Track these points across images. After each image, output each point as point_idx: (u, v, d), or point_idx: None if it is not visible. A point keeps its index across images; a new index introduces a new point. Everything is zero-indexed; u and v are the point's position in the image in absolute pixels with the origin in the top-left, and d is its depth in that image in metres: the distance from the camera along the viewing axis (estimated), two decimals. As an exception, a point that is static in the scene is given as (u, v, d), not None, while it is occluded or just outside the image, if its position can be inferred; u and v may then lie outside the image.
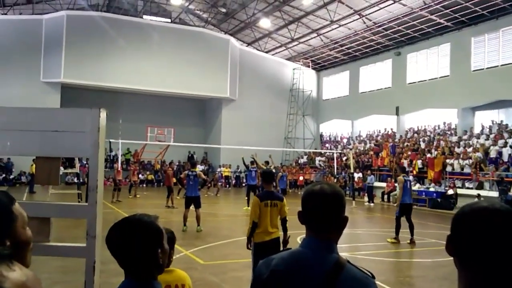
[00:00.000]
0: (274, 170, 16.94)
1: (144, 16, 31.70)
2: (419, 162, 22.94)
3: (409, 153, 24.51)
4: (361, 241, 11.62)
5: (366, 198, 22.65)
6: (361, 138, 32.01)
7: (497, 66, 22.74)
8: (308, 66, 35.63)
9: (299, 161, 34.07)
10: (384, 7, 25.00)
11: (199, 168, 26.05)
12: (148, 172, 30.95)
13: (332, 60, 34.60)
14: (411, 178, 22.05)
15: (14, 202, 1.28)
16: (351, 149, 29.38)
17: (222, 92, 32.00)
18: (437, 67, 26.23)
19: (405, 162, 23.66)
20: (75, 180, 24.25)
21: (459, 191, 19.87)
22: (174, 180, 18.84)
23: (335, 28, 29.01)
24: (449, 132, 25.57)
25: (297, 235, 7.63)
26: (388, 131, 29.91)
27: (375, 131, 31.53)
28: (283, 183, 17.90)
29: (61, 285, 6.68)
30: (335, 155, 28.26)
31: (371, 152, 27.51)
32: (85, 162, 22.93)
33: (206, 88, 31.27)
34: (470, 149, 21.67)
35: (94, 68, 28.29)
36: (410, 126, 28.89)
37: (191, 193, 11.91)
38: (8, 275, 0.91)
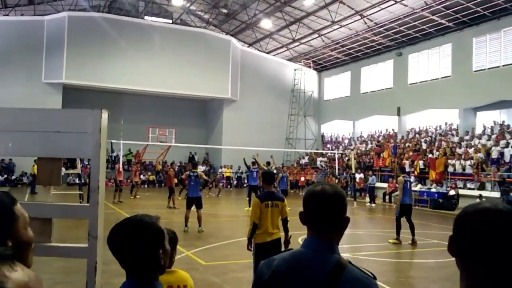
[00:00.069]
0: (275, 171, 17.00)
1: (146, 17, 31.75)
2: (421, 162, 22.91)
3: (411, 153, 24.49)
4: (363, 242, 11.61)
5: (367, 199, 22.63)
6: (363, 139, 31.99)
7: (499, 66, 22.71)
8: (310, 67, 35.63)
9: (301, 162, 34.06)
10: (386, 7, 24.99)
11: (201, 168, 26.06)
12: (149, 173, 30.97)
13: (333, 60, 34.59)
14: (412, 178, 22.22)
15: (16, 203, 1.28)
16: (352, 150, 29.36)
17: (223, 93, 32.01)
18: (439, 68, 26.20)
19: (407, 163, 23.65)
20: (77, 181, 24.27)
21: (461, 191, 19.85)
22: (176, 180, 18.83)
23: (337, 29, 29.00)
24: (450, 133, 25.54)
25: (298, 235, 7.63)
26: (389, 132, 29.89)
27: (376, 132, 31.51)
28: (283, 184, 17.49)
29: (62, 285, 6.68)
30: (336, 156, 28.26)
31: (373, 153, 27.48)
32: (86, 163, 22.90)
33: (207, 88, 31.28)
34: (471, 150, 21.64)
35: (95, 69, 28.33)
36: (412, 127, 28.87)
37: (192, 193, 11.91)
38: (10, 275, 0.91)
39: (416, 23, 25.78)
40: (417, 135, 27.43)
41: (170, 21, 32.72)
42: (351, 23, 27.79)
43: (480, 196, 17.78)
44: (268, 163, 18.55)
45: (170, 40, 30.36)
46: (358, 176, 24.01)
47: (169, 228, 2.22)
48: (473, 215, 1.15)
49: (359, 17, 26.76)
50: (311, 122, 36.03)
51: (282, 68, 35.37)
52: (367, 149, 29.41)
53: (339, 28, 28.74)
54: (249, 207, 15.51)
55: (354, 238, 11.65)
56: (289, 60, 35.59)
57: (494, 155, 20.49)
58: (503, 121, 23.19)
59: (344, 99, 33.89)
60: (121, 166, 21.18)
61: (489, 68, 23.21)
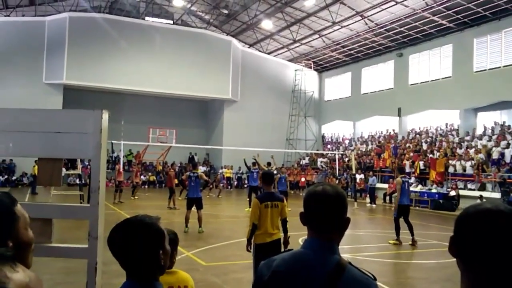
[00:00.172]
0: (275, 172, 16.98)
1: (146, 18, 31.78)
2: (421, 163, 22.90)
3: (411, 154, 24.48)
4: (363, 243, 11.61)
5: (368, 199, 22.62)
6: (363, 139, 31.98)
7: (500, 67, 22.71)
8: (310, 67, 35.64)
9: (301, 162, 34.07)
10: (386, 8, 24.99)
11: (201, 169, 26.06)
12: (150, 174, 30.98)
13: (334, 61, 34.60)
14: (412, 179, 22.30)
15: (16, 203, 1.29)
16: (353, 150, 29.36)
17: (224, 94, 32.02)
18: (439, 68, 26.20)
19: (407, 163, 23.64)
20: (77, 181, 24.28)
21: (461, 192, 19.83)
22: (176, 181, 18.84)
23: (337, 30, 29.01)
24: (451, 133, 25.53)
25: (299, 236, 7.63)
26: (390, 132, 29.88)
27: (377, 132, 31.51)
28: (282, 185, 16.95)
29: (63, 286, 6.69)
30: (337, 156, 28.26)
31: (373, 153, 27.48)
32: (87, 163, 22.92)
33: (208, 89, 31.30)
34: (472, 150, 21.63)
35: (96, 70, 28.35)
36: (412, 127, 28.86)
37: (192, 194, 11.91)
38: (12, 276, 0.92)
39: (416, 23, 25.78)
40: (417, 136, 27.42)
41: (171, 21, 32.75)
42: (352, 23, 27.80)
43: (481, 197, 17.76)
44: (269, 164, 18.54)
45: (171, 41, 30.37)
46: (359, 176, 24.00)
47: (169, 229, 2.22)
48: (474, 215, 1.15)
49: (360, 18, 26.77)
50: (311, 123, 36.03)
51: (282, 68, 35.38)
52: (368, 149, 29.40)
53: (340, 28, 28.74)
54: (250, 207, 15.48)
55: (354, 239, 11.64)
56: (290, 60, 35.60)
57: (495, 155, 20.49)
58: (504, 122, 23.18)
59: (345, 100, 33.89)
60: (121, 166, 21.19)
61: (489, 69, 23.19)
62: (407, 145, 26.45)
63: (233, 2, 29.60)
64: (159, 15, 32.75)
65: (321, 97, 36.61)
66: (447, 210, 18.86)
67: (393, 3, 24.23)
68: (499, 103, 22.97)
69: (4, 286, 0.89)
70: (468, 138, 23.57)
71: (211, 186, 24.92)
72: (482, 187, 19.65)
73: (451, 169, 21.45)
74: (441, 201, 19.84)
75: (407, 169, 23.31)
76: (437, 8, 23.57)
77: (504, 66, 22.45)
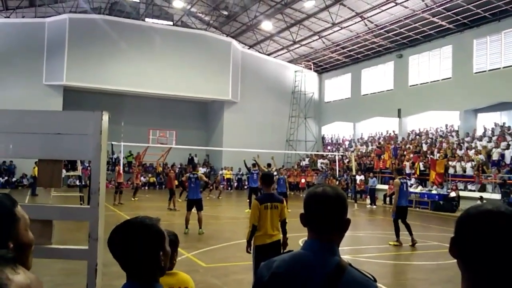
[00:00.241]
0: (275, 173, 16.95)
1: (146, 19, 31.81)
2: (421, 164, 22.90)
3: (411, 155, 24.48)
4: (363, 244, 11.60)
5: (368, 201, 22.62)
6: (363, 141, 31.99)
7: (499, 68, 22.72)
8: (310, 69, 35.65)
9: (301, 164, 34.07)
10: (386, 9, 25.01)
11: (201, 170, 26.05)
12: (150, 175, 30.98)
13: (334, 62, 34.61)
14: (413, 180, 22.30)
15: (17, 205, 1.29)
16: (353, 152, 29.36)
17: (224, 95, 32.03)
18: (439, 69, 26.21)
19: (407, 165, 23.66)
20: (77, 182, 24.28)
21: (462, 193, 19.82)
22: (176, 182, 18.84)
23: (337, 31, 29.04)
24: (451, 135, 25.53)
25: (299, 237, 7.63)
26: (390, 134, 29.89)
27: (377, 134, 31.51)
28: (280, 187, 16.84)
29: (63, 287, 6.68)
30: (337, 158, 28.26)
31: (373, 155, 27.48)
32: (87, 165, 22.93)
33: (208, 90, 31.31)
34: (472, 152, 21.63)
35: (96, 71, 28.36)
36: (412, 129, 28.86)
37: (192, 195, 11.89)
38: (13, 278, 0.92)
39: (416, 25, 25.79)
40: (417, 137, 27.42)
41: (171, 23, 32.78)
42: (352, 25, 27.82)
43: (481, 198, 17.75)
44: (269, 165, 18.53)
45: (171, 42, 30.39)
46: (359, 178, 24.00)
47: (170, 230, 2.22)
48: (475, 217, 1.15)
49: (360, 19, 26.79)
50: (311, 124, 36.03)
51: (282, 70, 35.40)
52: (368, 151, 29.41)
53: (340, 30, 28.77)
54: (250, 209, 15.47)
55: (354, 240, 11.63)
56: (290, 62, 35.62)
57: (495, 157, 20.49)
58: (504, 123, 23.19)
59: (345, 101, 33.90)
60: (121, 168, 21.19)
61: (489, 70, 23.21)
62: (407, 146, 26.45)
63: (233, 3, 29.63)
64: (159, 16, 32.78)
65: (321, 98, 36.62)
66: (447, 211, 18.85)
67: (392, 4, 24.26)
68: (499, 104, 22.97)
69: (5, 288, 0.90)
70: (468, 139, 23.57)
71: (211, 188, 24.91)
72: (482, 188, 19.65)
73: (451, 170, 21.45)
74: (441, 202, 19.84)
75: (407, 170, 23.34)
76: (436, 9, 23.59)
77: (504, 67, 22.46)
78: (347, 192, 22.98)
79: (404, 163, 24.12)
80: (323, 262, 1.59)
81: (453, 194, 19.75)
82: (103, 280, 2.58)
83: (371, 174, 23.52)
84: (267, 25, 30.25)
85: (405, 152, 25.50)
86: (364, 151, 29.81)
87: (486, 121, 24.30)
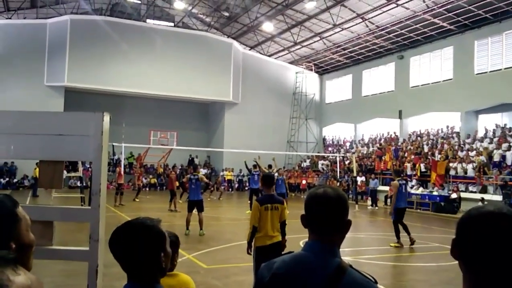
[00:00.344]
0: (276, 174, 16.92)
1: (147, 20, 31.84)
2: (422, 165, 22.88)
3: (412, 156, 24.46)
4: (364, 245, 11.58)
5: (369, 202, 22.61)
6: (364, 142, 31.97)
7: (500, 69, 22.71)
8: (311, 70, 35.66)
9: (302, 165, 34.06)
10: (387, 10, 25.01)
11: (202, 172, 26.05)
12: (151, 176, 30.99)
13: (335, 63, 34.62)
14: (414, 182, 22.27)
15: (18, 205, 1.29)
16: (354, 153, 29.35)
17: (225, 96, 32.05)
18: (440, 71, 26.20)
19: (408, 166, 23.65)
20: (78, 183, 24.27)
21: (463, 195, 19.80)
22: (177, 183, 18.84)
23: (338, 32, 29.03)
24: (451, 136, 25.50)
25: (299, 239, 7.62)
26: (391, 135, 29.86)
27: (378, 135, 31.47)
28: (279, 187, 16.37)
29: (64, 288, 6.68)
30: (338, 159, 28.26)
31: (374, 156, 27.47)
32: (88, 166, 22.95)
33: (209, 91, 31.33)
34: (473, 153, 21.61)
35: (97, 72, 28.40)
36: (413, 130, 28.84)
37: (193, 197, 11.89)
38: (14, 279, 0.92)
39: (417, 26, 25.79)
40: (418, 138, 27.39)
41: (172, 24, 32.81)
42: (353, 26, 27.82)
43: (482, 199, 17.73)
44: (270, 166, 18.51)
45: (172, 43, 30.42)
46: (360, 179, 24.00)
47: (170, 231, 2.22)
48: (477, 218, 1.15)
49: (361, 20, 26.79)
50: (312, 125, 36.03)
51: (283, 71, 35.41)
52: (369, 152, 29.39)
53: (341, 31, 28.77)
54: (251, 210, 15.41)
55: (355, 242, 11.62)
56: (291, 63, 35.63)
57: (496, 158, 20.47)
58: (505, 124, 23.16)
59: (346, 102, 33.90)
60: (122, 169, 21.20)
61: (490, 71, 23.19)
62: (408, 147, 26.42)
63: (234, 4, 29.65)
64: (160, 17, 32.81)
65: (322, 100, 36.62)
66: (449, 213, 18.83)
67: (393, 5, 24.25)
68: (500, 105, 22.96)
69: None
70: (469, 140, 23.55)
71: (212, 189, 24.91)
72: (484, 190, 19.62)
73: (452, 172, 21.42)
74: (442, 203, 19.81)
75: (409, 172, 23.34)
76: (438, 11, 23.58)
77: (505, 68, 22.45)
78: (348, 193, 22.98)
79: (405, 164, 24.11)
80: (323, 263, 1.59)
81: (454, 195, 19.73)
82: (104, 281, 2.58)
83: (373, 176, 23.50)
84: (268, 26, 30.27)
85: (406, 154, 25.48)
86: (365, 152, 29.79)
87: (487, 123, 24.27)
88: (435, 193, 20.90)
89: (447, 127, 26.58)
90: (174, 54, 30.28)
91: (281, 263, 1.66)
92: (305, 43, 32.02)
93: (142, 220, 1.60)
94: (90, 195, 2.53)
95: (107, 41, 28.63)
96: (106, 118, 2.52)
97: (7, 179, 27.55)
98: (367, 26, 27.42)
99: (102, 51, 28.55)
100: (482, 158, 20.55)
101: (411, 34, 27.04)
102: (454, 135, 25.28)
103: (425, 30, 26.05)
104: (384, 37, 28.28)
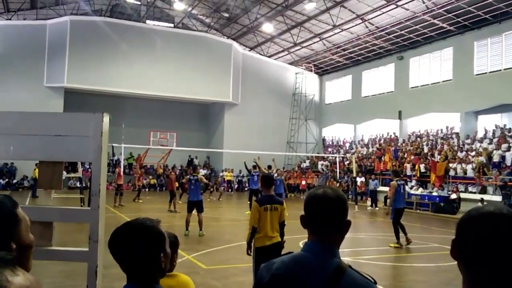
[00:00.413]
0: (275, 175, 16.93)
1: (147, 21, 31.85)
2: (422, 166, 22.89)
3: (412, 157, 24.47)
4: (364, 246, 11.58)
5: (368, 202, 22.61)
6: (364, 142, 31.98)
7: (500, 70, 22.72)
8: (311, 71, 35.67)
9: (302, 165, 34.05)
10: (387, 11, 25.02)
11: (202, 172, 26.04)
12: (150, 177, 30.98)
13: (334, 64, 34.63)
14: (413, 182, 22.27)
15: (18, 206, 1.29)
16: (353, 153, 29.35)
17: (224, 97, 32.05)
18: (440, 71, 26.22)
19: (408, 166, 23.65)
20: (78, 184, 24.28)
21: (462, 195, 19.81)
22: (177, 184, 18.84)
23: (338, 33, 29.05)
24: (451, 136, 25.51)
25: (299, 239, 7.61)
26: (390, 135, 29.87)
27: (377, 135, 31.48)
28: (277, 187, 16.14)
29: (63, 289, 6.67)
30: (337, 159, 28.27)
31: (374, 156, 27.47)
32: (87, 167, 22.94)
33: (208, 92, 31.33)
34: (473, 153, 21.61)
35: (97, 73, 28.40)
36: (413, 130, 28.85)
37: (193, 197, 11.89)
38: (13, 280, 0.92)
39: (417, 27, 25.81)
40: (418, 139, 27.40)
41: (172, 25, 32.81)
42: (352, 27, 27.84)
43: (482, 200, 17.73)
44: (270, 167, 18.51)
45: (172, 44, 30.43)
46: (360, 180, 24.00)
47: (170, 232, 2.21)
48: (477, 218, 1.15)
49: (360, 21, 26.80)
50: (312, 126, 36.04)
51: (283, 71, 35.42)
52: (368, 152, 29.40)
53: (340, 32, 28.79)
54: (250, 210, 15.37)
55: (355, 242, 11.62)
56: (291, 64, 35.65)
57: (496, 158, 20.47)
58: (505, 125, 23.17)
59: (345, 103, 33.91)
60: (121, 170, 21.19)
61: (490, 72, 23.20)
62: (408, 148, 26.42)
63: (234, 5, 29.66)
64: (160, 18, 32.82)
65: (321, 100, 36.63)
66: (448, 213, 18.83)
67: (393, 6, 24.27)
68: (500, 106, 22.97)
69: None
70: (468, 141, 23.56)
71: (211, 189, 24.90)
72: (483, 190, 19.62)
73: (452, 172, 21.43)
74: (442, 204, 19.81)
75: (408, 172, 23.35)
76: (437, 11, 23.60)
77: (504, 69, 22.47)
78: (347, 194, 22.98)
79: (404, 165, 24.12)
80: (323, 263, 1.59)
81: (453, 196, 19.73)
82: (104, 282, 2.58)
83: (373, 176, 23.49)
84: (268, 27, 30.28)
85: (405, 154, 25.48)
86: (364, 153, 29.80)
87: (487, 123, 24.29)
88: (434, 193, 20.90)
89: (447, 127, 26.60)
90: (174, 55, 30.28)
91: (280, 264, 1.66)
92: (304, 44, 32.03)
93: (141, 220, 1.60)
94: (90, 195, 2.53)
95: (107, 42, 28.63)
96: (106, 118, 2.52)
97: (7, 179, 27.54)
98: (366, 27, 27.43)
99: (101, 52, 28.55)
100: (482, 158, 20.55)
101: (410, 35, 27.06)
102: (454, 135, 25.29)
103: (425, 31, 26.06)
104: (384, 38, 28.29)
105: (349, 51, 31.48)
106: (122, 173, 20.43)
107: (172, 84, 30.05)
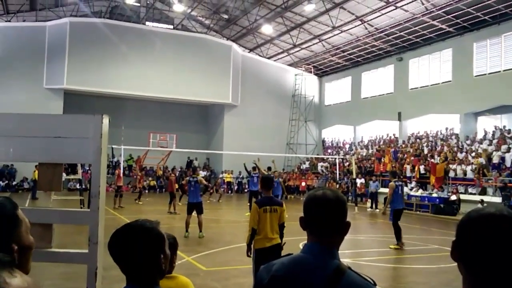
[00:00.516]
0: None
1: (147, 23, 31.87)
2: (422, 167, 22.89)
3: (412, 158, 24.47)
4: (364, 247, 11.58)
5: (368, 204, 22.59)
6: (363, 144, 31.98)
7: (499, 71, 22.74)
8: (310, 72, 35.69)
9: (301, 167, 34.04)
10: (386, 13, 25.05)
11: (201, 174, 26.03)
12: (150, 178, 30.97)
13: (334, 65, 34.65)
14: (413, 184, 22.26)
15: (18, 208, 1.29)
16: (353, 155, 29.35)
17: (224, 98, 32.06)
18: (439, 73, 26.23)
19: (408, 168, 23.65)
20: (78, 186, 24.26)
21: (462, 196, 19.80)
22: (177, 186, 18.83)
23: (337, 34, 29.07)
24: (451, 138, 25.52)
25: (298, 241, 7.61)
26: (390, 137, 29.87)
27: (377, 137, 31.49)
28: (275, 189, 16.48)
29: (63, 291, 6.66)
30: (337, 161, 28.25)
31: (373, 158, 27.47)
32: (87, 168, 22.92)
33: (208, 94, 31.34)
34: (473, 155, 21.61)
35: (96, 75, 28.40)
36: (413, 132, 28.86)
37: (193, 199, 11.89)
38: (10, 281, 0.92)
39: (416, 28, 25.83)
40: (418, 140, 27.40)
41: (171, 26, 32.84)
42: (352, 28, 27.86)
43: (482, 201, 17.73)
44: (269, 168, 18.51)
45: (171, 46, 30.44)
46: (359, 181, 24.00)
47: (169, 233, 2.21)
48: (477, 220, 1.15)
49: (360, 23, 26.82)
50: (311, 127, 36.04)
51: (283, 73, 35.44)
52: (368, 154, 29.40)
53: (340, 33, 28.81)
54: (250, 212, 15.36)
55: (355, 244, 11.62)
56: (290, 65, 35.67)
57: (495, 160, 20.47)
58: (504, 126, 23.17)
59: (345, 104, 33.93)
60: (121, 171, 21.18)
61: (489, 73, 23.23)
62: (408, 149, 26.43)
63: (233, 7, 29.69)
64: (159, 20, 32.83)
65: (321, 102, 36.64)
66: (448, 215, 18.82)
67: (392, 7, 24.30)
68: (499, 107, 22.99)
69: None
70: (468, 142, 23.57)
71: (211, 191, 24.88)
72: (483, 192, 19.62)
73: (451, 174, 21.42)
74: (441, 205, 19.81)
75: (408, 174, 23.34)
76: (436, 13, 23.62)
77: (504, 70, 22.48)
78: (347, 195, 22.97)
79: (404, 166, 24.12)
80: (322, 265, 1.59)
81: (453, 197, 19.73)
82: (103, 284, 2.58)
83: (373, 178, 23.49)
84: (267, 29, 30.30)
85: (405, 155, 25.48)
86: (364, 154, 29.80)
87: (486, 124, 24.30)
88: (434, 195, 20.90)
89: (446, 129, 26.60)
90: (173, 56, 30.29)
91: (280, 265, 1.66)
92: (304, 45, 32.05)
93: (141, 222, 1.60)
94: (89, 197, 2.53)
95: (107, 43, 28.64)
96: (105, 120, 2.52)
97: (7, 181, 27.51)
98: (366, 29, 27.45)
99: (101, 53, 28.56)
100: (481, 160, 20.56)
101: (410, 36, 27.08)
102: (453, 137, 25.30)
103: (424, 32, 26.08)
104: (383, 39, 28.32)
105: (348, 52, 31.50)
106: (121, 175, 20.42)
107: (172, 85, 30.06)
